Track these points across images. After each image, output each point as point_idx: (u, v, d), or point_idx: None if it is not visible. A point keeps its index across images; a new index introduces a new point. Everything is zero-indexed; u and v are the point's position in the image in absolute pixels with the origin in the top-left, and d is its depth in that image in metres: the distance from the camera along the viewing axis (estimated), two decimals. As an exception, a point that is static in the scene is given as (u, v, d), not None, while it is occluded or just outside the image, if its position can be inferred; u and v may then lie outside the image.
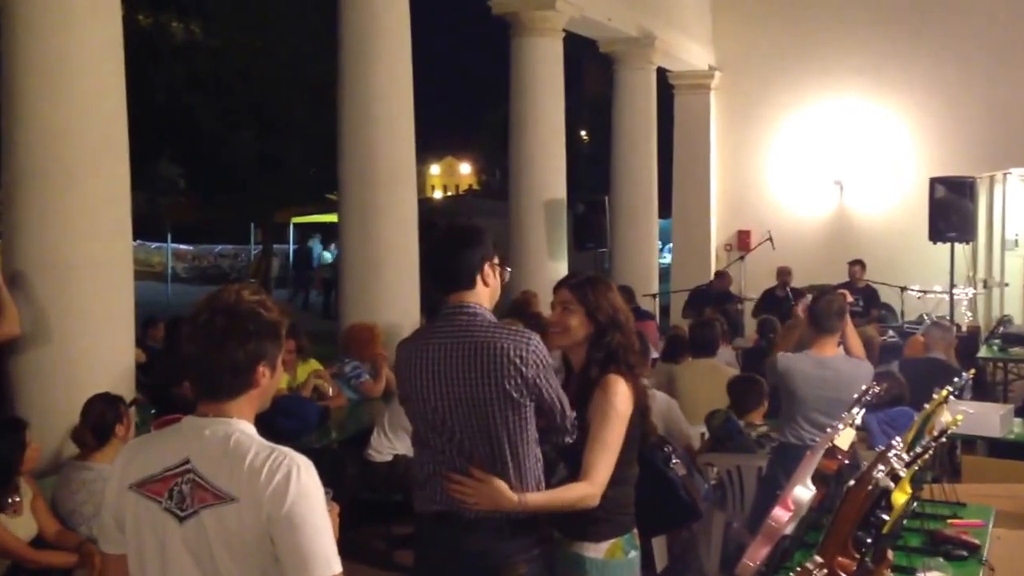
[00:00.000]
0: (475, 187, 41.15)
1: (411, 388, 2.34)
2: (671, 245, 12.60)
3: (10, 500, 3.17)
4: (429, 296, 6.85)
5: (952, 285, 8.85)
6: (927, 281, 9.55)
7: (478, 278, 2.32)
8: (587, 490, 2.28)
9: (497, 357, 2.22)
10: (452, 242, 2.35)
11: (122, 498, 1.65)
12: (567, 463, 2.41)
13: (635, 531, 2.43)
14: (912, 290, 9.54)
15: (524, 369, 2.22)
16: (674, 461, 2.55)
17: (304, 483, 1.58)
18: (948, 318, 8.12)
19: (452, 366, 2.26)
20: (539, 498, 2.25)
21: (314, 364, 5.74)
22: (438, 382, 2.27)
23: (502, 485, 2.21)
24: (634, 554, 2.41)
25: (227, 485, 1.59)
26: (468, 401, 2.25)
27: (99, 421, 3.40)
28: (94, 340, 4.12)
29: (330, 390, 5.36)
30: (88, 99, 4.13)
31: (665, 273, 11.96)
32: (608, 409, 2.32)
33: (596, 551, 2.34)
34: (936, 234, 8.67)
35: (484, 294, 2.34)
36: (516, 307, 6.29)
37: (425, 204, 13.60)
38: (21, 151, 4.12)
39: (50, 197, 4.09)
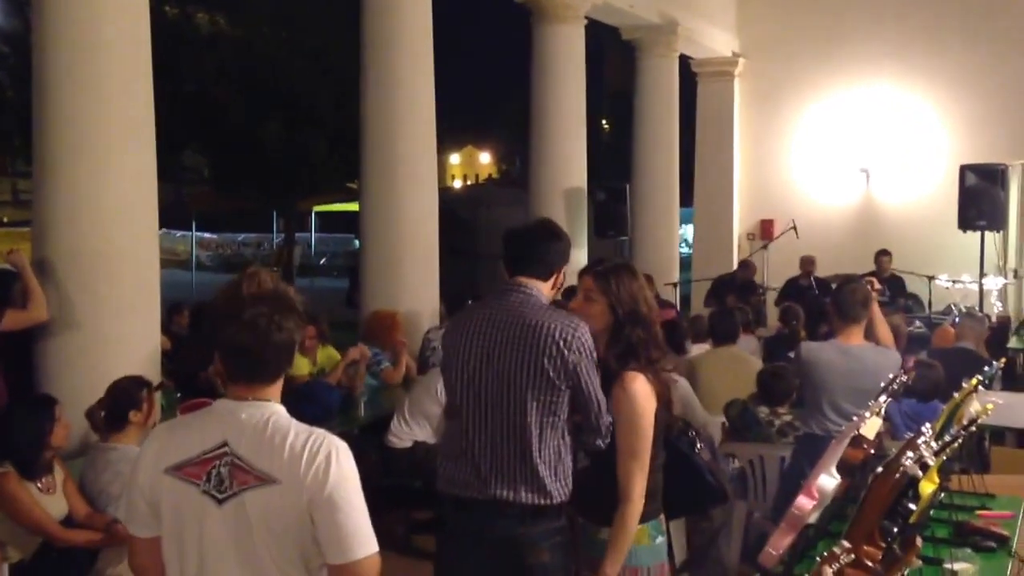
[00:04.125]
0: (495, 176, 41.06)
1: (453, 351, 2.38)
2: (692, 234, 12.52)
3: (44, 479, 3.22)
4: (449, 284, 6.87)
5: (982, 274, 8.70)
6: (956, 270, 9.38)
7: (551, 272, 2.42)
8: (629, 508, 2.31)
9: (541, 335, 2.26)
10: (545, 231, 2.49)
11: (157, 482, 1.66)
12: (587, 452, 2.40)
13: (662, 517, 2.43)
14: (940, 280, 9.39)
15: (566, 352, 2.24)
16: (699, 446, 2.55)
17: (343, 465, 1.60)
18: (978, 308, 7.98)
19: (496, 335, 2.30)
20: (614, 551, 2.31)
21: (331, 350, 5.76)
22: (480, 348, 2.31)
23: None
24: (660, 540, 2.41)
25: (268, 467, 1.60)
26: (505, 373, 2.27)
27: (113, 404, 3.42)
28: (121, 326, 4.18)
29: (358, 382, 5.33)
30: (115, 89, 4.17)
31: (686, 262, 11.88)
32: (632, 416, 2.32)
33: None
34: (966, 222, 8.52)
35: (545, 288, 2.41)
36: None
37: (445, 193, 13.61)
38: (50, 140, 4.17)
39: (78, 185, 4.14)
